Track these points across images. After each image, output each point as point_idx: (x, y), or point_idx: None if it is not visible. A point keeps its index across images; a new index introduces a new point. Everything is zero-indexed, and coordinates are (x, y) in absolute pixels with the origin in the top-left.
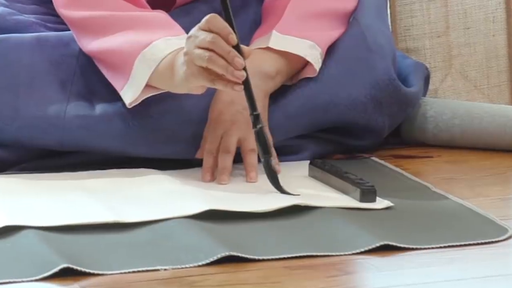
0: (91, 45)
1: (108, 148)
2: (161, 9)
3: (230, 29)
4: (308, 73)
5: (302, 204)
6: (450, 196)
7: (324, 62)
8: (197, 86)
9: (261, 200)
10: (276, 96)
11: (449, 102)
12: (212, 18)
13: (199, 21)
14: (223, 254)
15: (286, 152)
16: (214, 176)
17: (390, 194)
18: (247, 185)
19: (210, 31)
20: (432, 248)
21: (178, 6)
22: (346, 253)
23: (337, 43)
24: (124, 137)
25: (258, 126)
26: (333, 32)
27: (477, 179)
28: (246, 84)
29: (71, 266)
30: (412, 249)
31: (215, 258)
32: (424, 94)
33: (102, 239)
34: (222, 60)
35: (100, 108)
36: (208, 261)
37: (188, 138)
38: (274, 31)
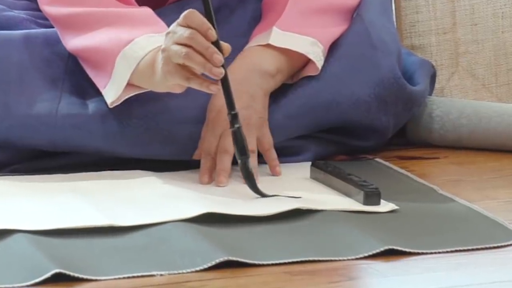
0: (73, 42)
1: (102, 148)
2: (154, 5)
3: (209, 24)
4: (309, 71)
5: (304, 208)
6: (457, 199)
7: (327, 59)
8: (175, 85)
9: (261, 204)
10: (276, 95)
11: (456, 101)
12: (190, 14)
13: None
14: (221, 259)
15: (287, 153)
16: (212, 178)
17: (394, 197)
18: (247, 187)
19: (189, 26)
20: (439, 252)
21: (172, 3)
22: (349, 257)
23: (340, 40)
24: (118, 137)
25: (236, 126)
26: (335, 29)
27: (485, 181)
28: (225, 82)
29: (63, 271)
30: (418, 253)
31: (213, 263)
32: (430, 93)
33: (95, 244)
34: (200, 56)
35: (93, 107)
36: (205, 266)
37: (185, 138)
38: (274, 28)
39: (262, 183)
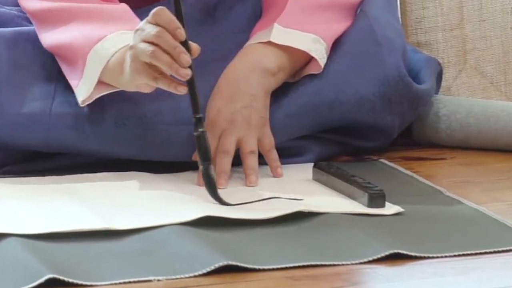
0: (47, 38)
1: (97, 149)
2: (147, 3)
3: (178, 23)
4: (312, 69)
5: (306, 210)
6: (464, 201)
7: (329, 57)
8: (143, 84)
9: (261, 207)
10: (277, 94)
11: (464, 100)
12: (159, 11)
13: (186, 15)
14: (221, 264)
15: (289, 154)
16: None
17: (400, 199)
18: (247, 189)
19: (157, 24)
20: (446, 256)
21: (159, 1)
22: (353, 262)
23: (343, 37)
24: (114, 138)
25: (200, 130)
26: (339, 25)
27: (494, 182)
28: (191, 83)
29: (57, 276)
30: (424, 257)
31: (212, 268)
32: (437, 92)
33: (91, 248)
34: (166, 56)
35: (89, 106)
36: (204, 271)
37: (183, 139)
38: (275, 24)
39: (263, 184)
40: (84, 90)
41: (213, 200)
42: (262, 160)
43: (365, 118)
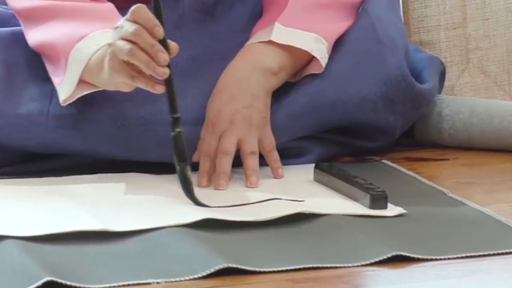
0: (32, 37)
1: (96, 150)
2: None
3: (156, 21)
4: (313, 69)
5: (307, 212)
6: (467, 202)
7: (331, 56)
8: (121, 83)
9: (262, 208)
10: (278, 94)
11: (467, 99)
12: (137, 9)
13: (184, 14)
14: (220, 266)
15: (290, 155)
16: (211, 181)
17: (402, 200)
18: (247, 190)
19: (135, 22)
20: (449, 259)
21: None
22: (355, 264)
23: (345, 36)
24: (112, 139)
25: (177, 130)
26: (340, 24)
27: (497, 183)
28: (169, 82)
29: (55, 279)
30: (427, 260)
31: (212, 270)
32: (440, 91)
33: (89, 250)
34: (144, 54)
35: (86, 107)
36: (204, 274)
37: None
38: (276, 23)
39: (264, 186)
40: (65, 88)
41: (213, 201)
42: (262, 161)
43: (367, 118)
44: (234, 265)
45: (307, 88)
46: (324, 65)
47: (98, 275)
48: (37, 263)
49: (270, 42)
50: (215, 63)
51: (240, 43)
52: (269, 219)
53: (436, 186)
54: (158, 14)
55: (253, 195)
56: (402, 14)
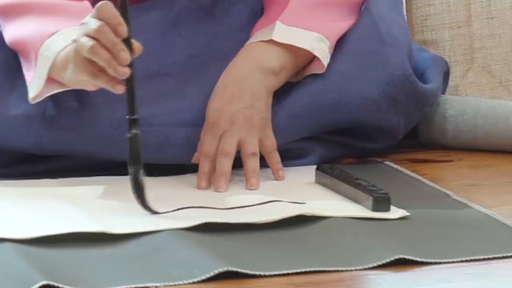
0: (7, 33)
1: (93, 152)
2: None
3: (120, 19)
4: (315, 69)
5: (308, 214)
6: (472, 205)
7: (333, 56)
8: (84, 81)
9: (263, 210)
10: (279, 94)
11: (471, 100)
12: (102, 6)
13: (182, 13)
14: (220, 270)
15: (291, 156)
16: (210, 183)
17: (405, 203)
18: (247, 192)
19: (100, 19)
20: (453, 262)
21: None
22: (357, 268)
23: (347, 36)
24: (110, 141)
25: (133, 132)
26: (343, 23)
27: (503, 185)
28: (130, 83)
29: (51, 283)
30: (430, 263)
31: (211, 274)
32: (443, 92)
33: (86, 253)
34: (105, 52)
35: (83, 108)
36: (204, 278)
37: (181, 141)
38: (278, 22)
39: (264, 187)
40: (35, 86)
41: (212, 204)
42: (263, 163)
43: (369, 119)
44: (234, 269)
45: (308, 88)
46: (326, 65)
47: (96, 279)
48: (34, 267)
49: (271, 41)
50: (214, 63)
51: (240, 42)
52: (269, 221)
53: (440, 188)
54: (124, 12)
55: (254, 197)
56: (405, 13)
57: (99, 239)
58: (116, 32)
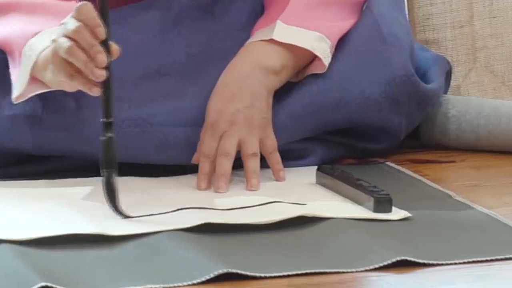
0: None
1: (91, 152)
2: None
3: (99, 21)
4: (316, 69)
5: (309, 215)
6: (475, 206)
7: (334, 56)
8: (62, 81)
9: (263, 211)
10: (280, 94)
11: (474, 100)
12: (81, 6)
13: (182, 12)
14: (220, 271)
15: (291, 157)
16: (210, 183)
17: (407, 204)
18: (248, 193)
19: (79, 20)
20: (455, 264)
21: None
22: (358, 269)
23: (349, 35)
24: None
25: (107, 135)
26: (344, 23)
27: (505, 186)
28: (106, 85)
29: (49, 284)
30: (432, 265)
31: (211, 275)
32: (446, 91)
33: (85, 255)
34: (83, 53)
35: (81, 108)
36: (203, 279)
37: (181, 142)
38: (278, 21)
39: (265, 188)
40: (19, 85)
41: (213, 205)
42: (264, 163)
43: (371, 119)
44: (234, 270)
45: (309, 88)
46: (327, 65)
47: (94, 280)
48: (31, 268)
49: (272, 41)
50: (214, 62)
51: (240, 42)
52: (270, 222)
53: (442, 189)
54: (103, 14)
55: (254, 198)
56: (407, 12)
57: (98, 240)
58: (94, 34)
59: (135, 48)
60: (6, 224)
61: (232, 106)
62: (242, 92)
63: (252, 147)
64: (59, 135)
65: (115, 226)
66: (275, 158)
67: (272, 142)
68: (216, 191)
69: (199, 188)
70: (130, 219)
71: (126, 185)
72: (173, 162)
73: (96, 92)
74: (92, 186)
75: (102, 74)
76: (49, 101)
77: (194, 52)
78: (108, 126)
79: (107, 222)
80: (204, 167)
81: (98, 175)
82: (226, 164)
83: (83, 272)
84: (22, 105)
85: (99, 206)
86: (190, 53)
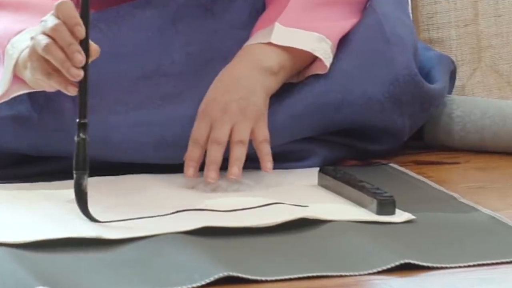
0: None
1: (89, 153)
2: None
3: (78, 20)
4: (317, 69)
5: (311, 217)
6: (480, 208)
7: (336, 55)
8: (40, 80)
9: (264, 213)
10: (280, 94)
11: (479, 100)
12: (61, 4)
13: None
14: (220, 275)
15: (292, 158)
16: (198, 171)
17: (411, 206)
18: (249, 195)
19: (58, 18)
20: (460, 267)
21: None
22: (361, 273)
23: (351, 34)
24: (105, 142)
25: (81, 137)
26: (345, 22)
27: (511, 188)
28: (83, 85)
29: None
30: (437, 268)
31: (211, 279)
32: (450, 92)
33: (82, 258)
34: (60, 52)
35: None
36: (203, 283)
37: (180, 141)
38: (276, 24)
39: (264, 190)
40: (1, 85)
41: (212, 207)
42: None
43: (373, 120)
44: (235, 274)
45: (311, 88)
46: (328, 65)
47: (92, 284)
48: (28, 271)
49: (270, 43)
50: (214, 64)
51: (240, 41)
52: (271, 225)
53: (447, 191)
54: (84, 13)
55: (255, 199)
56: (410, 11)
57: (96, 243)
58: (73, 33)
59: (133, 47)
60: (3, 227)
61: (227, 96)
62: (238, 87)
63: (240, 134)
64: (55, 136)
65: (113, 230)
66: (265, 149)
67: (263, 133)
68: (205, 180)
69: (186, 175)
70: (129, 221)
71: (122, 184)
72: (171, 162)
73: (72, 91)
74: (91, 187)
75: (78, 74)
76: (45, 101)
77: (194, 51)
78: (82, 127)
79: (105, 225)
80: (192, 152)
81: (95, 175)
82: (217, 151)
83: (81, 276)
84: (18, 106)
85: (97, 210)
86: (189, 52)
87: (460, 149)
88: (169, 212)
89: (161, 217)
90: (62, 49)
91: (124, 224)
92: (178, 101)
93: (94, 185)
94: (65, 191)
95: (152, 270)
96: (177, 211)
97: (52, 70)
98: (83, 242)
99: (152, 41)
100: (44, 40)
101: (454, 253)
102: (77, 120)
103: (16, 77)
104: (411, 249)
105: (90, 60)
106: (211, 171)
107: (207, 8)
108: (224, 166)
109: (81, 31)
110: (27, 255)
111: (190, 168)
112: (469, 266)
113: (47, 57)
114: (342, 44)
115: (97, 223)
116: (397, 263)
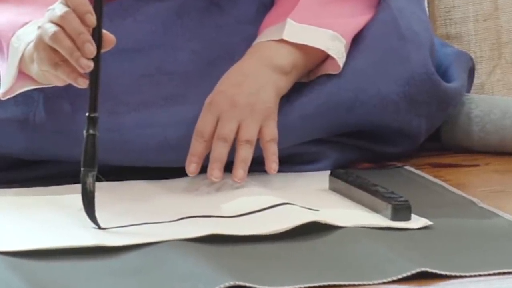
0: None
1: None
2: None
3: (89, 7)
4: (329, 69)
5: (322, 222)
6: (501, 213)
7: (349, 53)
8: (46, 72)
9: (272, 218)
10: (291, 93)
11: (498, 99)
12: None
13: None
14: (226, 284)
15: (303, 161)
16: (199, 168)
17: (428, 211)
18: (253, 197)
19: (67, 5)
20: (479, 275)
21: None
22: (375, 282)
23: (364, 31)
24: (106, 144)
25: (90, 132)
26: (359, 19)
27: None
28: (93, 77)
29: None
30: (455, 277)
31: None
32: (468, 90)
33: (81, 266)
34: (69, 41)
35: (76, 109)
36: None
37: (183, 144)
38: (288, 20)
39: (272, 194)
40: (6, 80)
41: (218, 212)
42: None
43: (388, 121)
44: (242, 283)
45: (323, 88)
46: (341, 65)
47: None
48: (25, 281)
49: (282, 40)
50: (219, 63)
51: (247, 37)
52: (280, 230)
53: (466, 195)
54: (97, 1)
55: (263, 201)
56: (426, 5)
57: (96, 251)
58: (83, 21)
59: (136, 42)
60: None
61: (236, 89)
62: (248, 82)
63: (247, 133)
64: (53, 139)
65: (115, 237)
66: (272, 149)
67: (271, 132)
68: (208, 178)
69: (188, 171)
70: (130, 227)
71: (125, 191)
72: (175, 165)
73: (81, 83)
74: None
75: (88, 65)
76: (43, 103)
77: (198, 49)
78: (92, 121)
79: (106, 232)
80: (196, 147)
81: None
82: (222, 148)
83: (80, 285)
84: (14, 108)
85: (100, 216)
86: (194, 49)
87: (479, 150)
88: (173, 219)
89: (165, 223)
90: (71, 38)
91: (126, 230)
92: (182, 101)
93: (96, 190)
94: (64, 196)
95: (155, 279)
96: (182, 218)
97: (60, 61)
98: (83, 249)
99: (155, 36)
100: (51, 28)
101: (474, 260)
102: (87, 114)
103: (22, 73)
104: (428, 257)
105: (103, 51)
106: (215, 170)
107: (213, 2)
108: (227, 168)
109: (92, 19)
110: (24, 262)
111: (192, 164)
112: (490, 274)
113: (55, 46)
114: (356, 41)
115: (94, 232)
116: (413, 272)
